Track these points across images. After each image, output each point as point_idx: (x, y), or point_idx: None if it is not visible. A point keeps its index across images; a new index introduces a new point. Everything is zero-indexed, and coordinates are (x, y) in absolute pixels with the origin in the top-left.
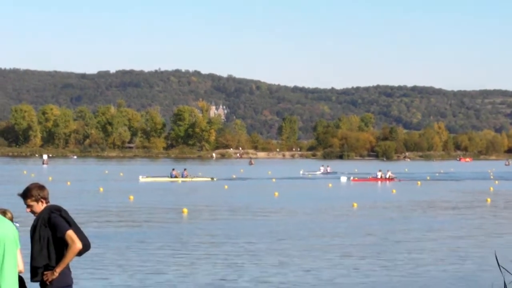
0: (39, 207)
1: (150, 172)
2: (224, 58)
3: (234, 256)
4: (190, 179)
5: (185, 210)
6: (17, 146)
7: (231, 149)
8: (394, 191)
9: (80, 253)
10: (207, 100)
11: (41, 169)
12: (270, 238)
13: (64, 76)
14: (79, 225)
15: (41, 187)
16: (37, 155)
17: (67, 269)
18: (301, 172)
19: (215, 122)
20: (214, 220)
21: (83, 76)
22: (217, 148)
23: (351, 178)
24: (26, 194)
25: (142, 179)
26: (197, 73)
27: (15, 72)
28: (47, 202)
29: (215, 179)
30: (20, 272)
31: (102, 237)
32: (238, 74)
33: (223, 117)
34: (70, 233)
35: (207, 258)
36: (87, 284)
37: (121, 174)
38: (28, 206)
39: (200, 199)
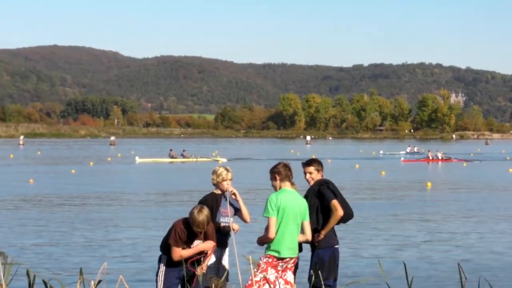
0: (318, 176)
1: (389, 149)
2: (464, 51)
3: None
4: (192, 160)
5: (429, 184)
6: (284, 129)
7: (469, 131)
8: None
9: (344, 220)
10: (448, 88)
11: (304, 148)
12: None
13: (324, 69)
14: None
15: (320, 163)
16: (301, 137)
17: (332, 232)
18: (381, 152)
19: (455, 108)
20: (455, 194)
21: (341, 69)
22: (456, 130)
23: (402, 159)
24: (310, 163)
25: (138, 159)
26: (439, 66)
27: (283, 66)
28: (321, 175)
29: (221, 160)
30: (307, 241)
31: (361, 207)
32: (476, 65)
33: (461, 103)
34: (335, 202)
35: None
36: (356, 246)
37: (366, 151)
38: (309, 173)
39: (441, 176)
